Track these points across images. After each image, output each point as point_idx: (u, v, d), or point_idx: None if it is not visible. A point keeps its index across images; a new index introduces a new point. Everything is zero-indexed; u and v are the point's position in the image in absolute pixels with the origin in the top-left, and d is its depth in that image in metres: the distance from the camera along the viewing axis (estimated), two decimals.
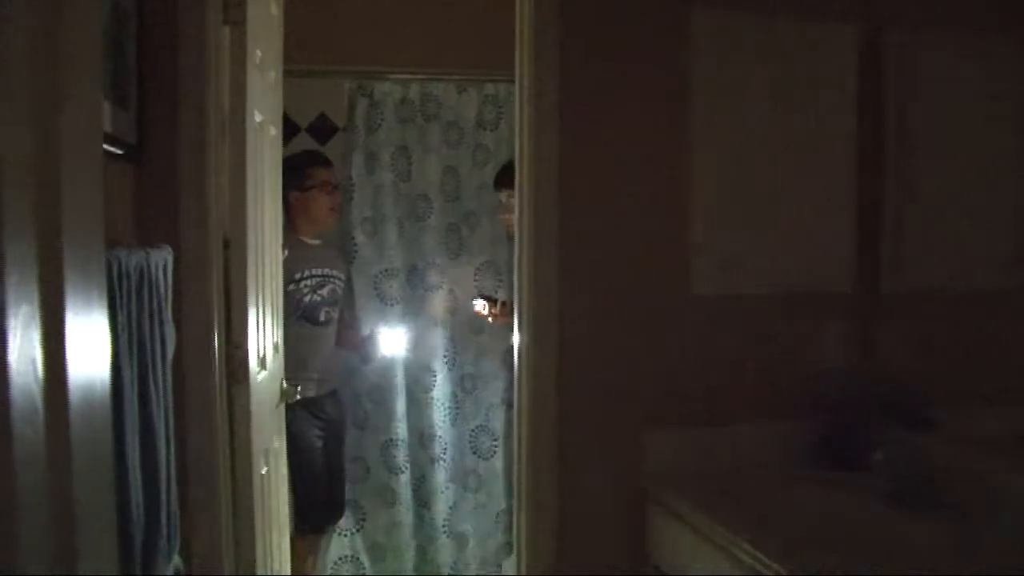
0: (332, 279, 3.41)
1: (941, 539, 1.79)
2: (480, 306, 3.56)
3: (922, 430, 2.12)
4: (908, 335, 2.33)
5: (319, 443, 3.33)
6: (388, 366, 3.66)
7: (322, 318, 3.35)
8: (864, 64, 2.33)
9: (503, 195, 3.37)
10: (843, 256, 2.35)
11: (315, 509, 3.34)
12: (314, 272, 3.33)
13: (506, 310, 3.37)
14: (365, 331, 3.64)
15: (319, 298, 3.33)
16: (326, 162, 3.45)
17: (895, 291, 2.34)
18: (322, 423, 3.35)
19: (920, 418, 2.19)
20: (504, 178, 3.36)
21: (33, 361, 0.66)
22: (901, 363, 2.33)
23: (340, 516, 3.59)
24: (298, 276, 3.26)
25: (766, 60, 2.26)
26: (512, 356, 2.33)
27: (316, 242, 3.41)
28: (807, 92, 2.29)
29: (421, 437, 3.75)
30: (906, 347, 2.33)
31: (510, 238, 3.31)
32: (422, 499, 3.77)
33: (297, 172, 3.24)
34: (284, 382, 2.64)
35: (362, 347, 3.61)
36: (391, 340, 3.62)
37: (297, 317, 3.25)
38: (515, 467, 2.26)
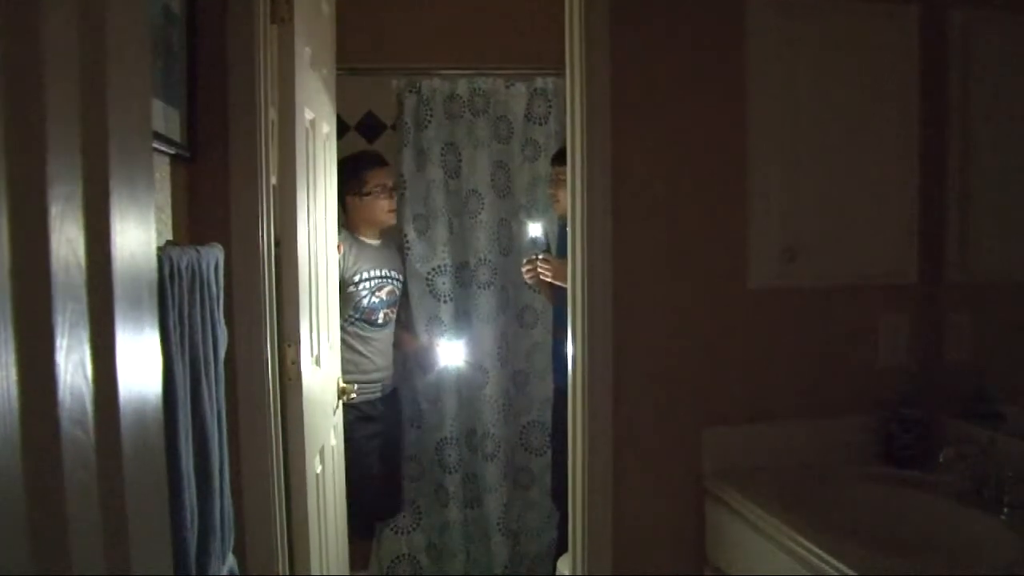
0: (391, 280, 3.41)
1: (1013, 539, 1.72)
2: (526, 269, 3.32)
3: (990, 426, 2.05)
4: (974, 328, 2.26)
5: (376, 445, 3.34)
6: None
7: (381, 320, 3.35)
8: (926, 48, 2.26)
9: (556, 171, 3.26)
10: (905, 247, 2.28)
11: (370, 509, 3.34)
12: (373, 274, 3.33)
13: (551, 264, 3.20)
14: (424, 338, 3.64)
15: (378, 300, 3.32)
16: (381, 162, 3.43)
17: (960, 282, 2.27)
18: (380, 424, 3.35)
19: (988, 413, 2.12)
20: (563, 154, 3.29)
21: (82, 361, 0.65)
22: (967, 357, 2.26)
23: (395, 513, 3.60)
24: (357, 278, 3.26)
25: (825, 46, 2.20)
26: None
27: (375, 242, 3.41)
28: (867, 79, 2.24)
29: (474, 435, 3.74)
30: (972, 340, 2.26)
31: (560, 217, 3.27)
32: (476, 497, 3.76)
33: (353, 176, 3.25)
34: (341, 381, 2.64)
35: (422, 356, 3.61)
36: (451, 350, 3.61)
37: (357, 319, 3.25)
38: (571, 465, 2.23)
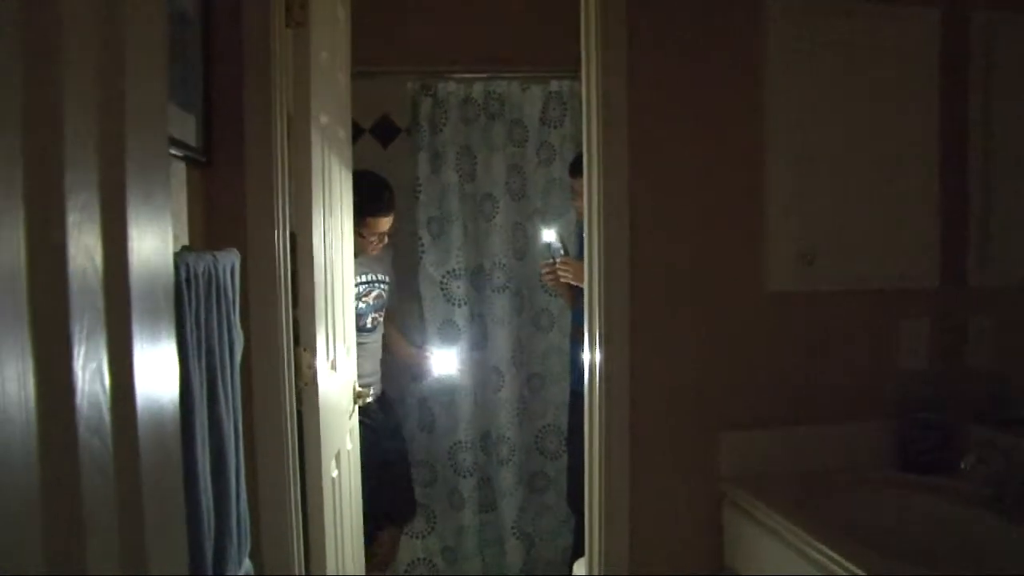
0: (377, 284, 3.39)
1: None
2: (546, 273, 3.35)
3: (1012, 432, 2.03)
4: (996, 332, 2.24)
5: (371, 447, 3.32)
6: (457, 369, 3.66)
7: (369, 324, 3.34)
8: (947, 49, 2.24)
9: (577, 183, 3.25)
10: (926, 250, 2.26)
11: (373, 512, 3.34)
12: (359, 280, 3.31)
13: (570, 266, 3.20)
14: (418, 345, 3.66)
15: (365, 305, 3.31)
16: (390, 206, 3.27)
17: (981, 286, 2.25)
18: (372, 428, 3.33)
19: (1010, 419, 2.10)
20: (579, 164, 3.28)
21: (99, 369, 0.65)
22: (988, 361, 2.24)
23: (411, 516, 3.59)
24: None
25: (843, 48, 2.19)
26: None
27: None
28: (887, 81, 2.22)
29: (489, 439, 3.73)
30: (994, 345, 2.24)
31: (579, 220, 3.25)
32: (491, 501, 3.75)
33: (357, 209, 3.02)
34: (356, 385, 2.64)
35: (416, 364, 3.63)
36: (443, 358, 3.61)
37: None
38: (587, 469, 2.22)
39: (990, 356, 2.24)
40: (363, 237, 3.21)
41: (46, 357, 0.56)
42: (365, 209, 3.15)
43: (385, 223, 3.27)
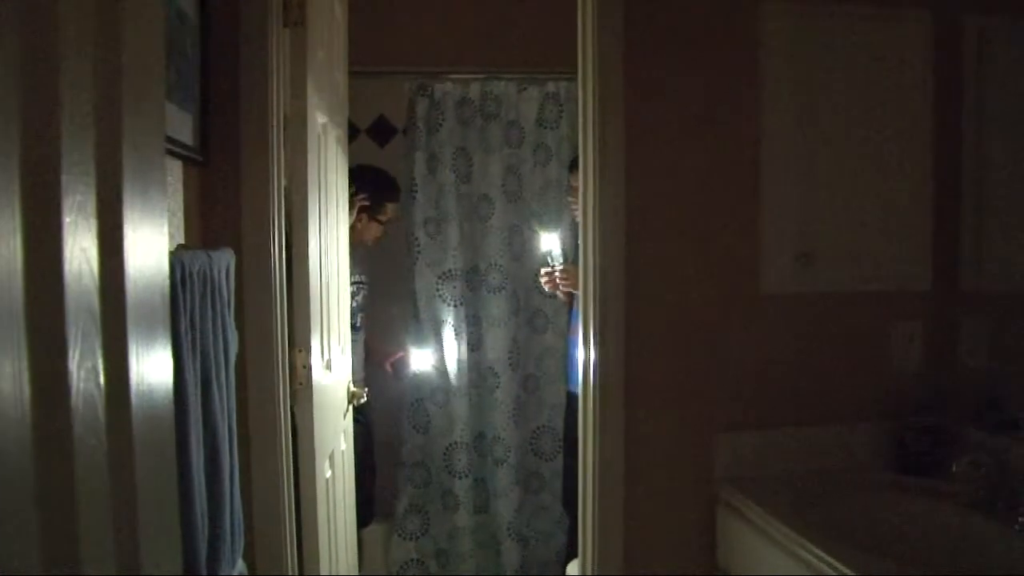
0: (362, 285, 3.41)
1: None
2: (544, 280, 3.34)
3: (1006, 434, 2.04)
4: (989, 334, 2.24)
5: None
6: (452, 370, 3.66)
7: (357, 324, 3.35)
8: (941, 55, 2.24)
9: (575, 178, 3.25)
10: (920, 253, 2.27)
11: None
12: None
13: (569, 274, 3.19)
14: (395, 346, 3.68)
15: (354, 304, 3.31)
16: (399, 195, 3.51)
17: (975, 289, 2.26)
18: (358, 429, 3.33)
19: (1003, 421, 2.11)
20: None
21: (95, 368, 0.65)
22: (982, 364, 2.24)
23: (369, 519, 3.55)
24: None
25: (840, 49, 2.19)
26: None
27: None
28: (882, 84, 2.22)
29: (484, 439, 3.73)
30: (987, 347, 2.24)
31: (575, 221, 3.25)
32: (485, 502, 3.75)
33: (375, 199, 3.31)
34: (351, 385, 2.64)
35: (394, 364, 3.65)
36: (420, 357, 3.64)
37: None
38: (582, 470, 2.22)
39: (984, 358, 2.24)
40: (380, 223, 3.37)
41: (42, 357, 0.56)
42: (386, 196, 3.38)
43: (396, 209, 3.46)
